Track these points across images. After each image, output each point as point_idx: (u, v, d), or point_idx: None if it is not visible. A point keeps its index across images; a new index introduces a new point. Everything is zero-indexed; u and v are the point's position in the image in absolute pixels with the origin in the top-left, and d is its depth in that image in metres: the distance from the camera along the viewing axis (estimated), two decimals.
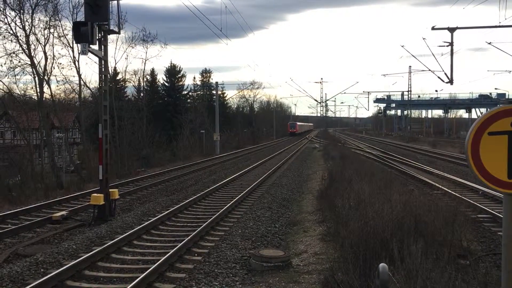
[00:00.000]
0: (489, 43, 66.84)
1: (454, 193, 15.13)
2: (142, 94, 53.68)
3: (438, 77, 29.48)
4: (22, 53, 31.78)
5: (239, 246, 9.76)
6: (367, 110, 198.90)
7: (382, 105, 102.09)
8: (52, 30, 33.11)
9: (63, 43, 34.58)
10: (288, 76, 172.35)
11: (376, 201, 8.98)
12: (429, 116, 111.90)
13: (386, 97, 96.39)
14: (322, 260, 8.46)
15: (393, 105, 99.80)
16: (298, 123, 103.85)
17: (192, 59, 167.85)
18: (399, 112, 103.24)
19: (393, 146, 53.01)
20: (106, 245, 9.24)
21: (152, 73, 65.55)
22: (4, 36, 31.16)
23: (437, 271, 5.87)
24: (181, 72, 70.49)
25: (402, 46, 41.40)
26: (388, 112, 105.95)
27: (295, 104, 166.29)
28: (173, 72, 69.25)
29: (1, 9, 30.61)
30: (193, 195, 16.13)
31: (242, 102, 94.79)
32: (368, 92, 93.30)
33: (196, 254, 9.14)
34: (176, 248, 8.89)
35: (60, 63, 36.92)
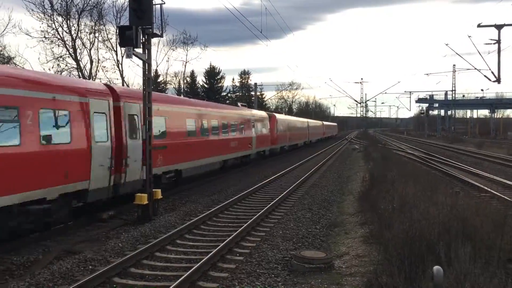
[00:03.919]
0: None
1: (502, 196, 14.60)
2: (182, 96, 54.58)
3: (485, 76, 28.58)
4: (68, 57, 33.10)
5: (280, 247, 9.78)
6: (408, 110, 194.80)
7: (425, 105, 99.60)
8: (97, 35, 34.29)
9: (107, 46, 35.78)
10: (328, 76, 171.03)
11: (420, 203, 8.79)
12: (474, 116, 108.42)
13: (428, 97, 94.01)
14: (365, 263, 8.36)
15: (436, 105, 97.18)
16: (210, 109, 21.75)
17: (231, 61, 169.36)
18: (442, 112, 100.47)
19: (436, 147, 51.63)
20: (150, 243, 9.46)
21: (192, 75, 66.71)
22: (52, 41, 32.55)
23: (486, 276, 5.69)
24: (220, 74, 71.40)
25: (447, 45, 40.62)
26: (431, 112, 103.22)
27: (334, 105, 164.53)
28: (212, 74, 70.18)
29: (49, 14, 31.93)
30: (233, 195, 16.26)
31: (281, 103, 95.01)
32: (410, 92, 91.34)
33: (238, 254, 9.22)
34: (218, 247, 9.00)
35: (104, 66, 38.05)
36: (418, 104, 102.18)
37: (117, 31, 33.99)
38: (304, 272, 8.02)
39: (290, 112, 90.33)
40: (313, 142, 60.23)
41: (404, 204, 9.77)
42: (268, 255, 9.10)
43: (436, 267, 4.48)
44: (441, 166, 25.55)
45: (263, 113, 34.07)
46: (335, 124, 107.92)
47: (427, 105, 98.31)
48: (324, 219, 12.90)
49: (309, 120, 59.50)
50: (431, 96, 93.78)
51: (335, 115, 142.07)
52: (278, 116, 38.58)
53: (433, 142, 64.62)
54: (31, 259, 8.97)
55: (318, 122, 69.63)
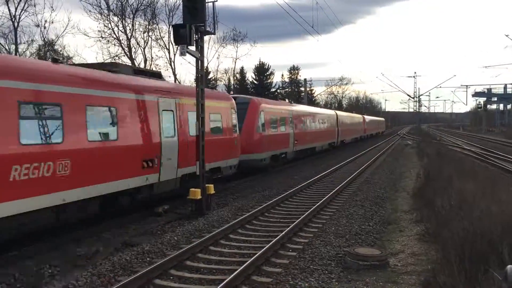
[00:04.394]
0: None
1: None
2: (232, 92, 55.27)
3: None
4: (124, 55, 34.25)
5: (333, 243, 9.71)
6: (465, 104, 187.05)
7: (482, 99, 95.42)
8: (150, 34, 35.27)
9: (159, 45, 36.74)
10: (379, 71, 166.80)
11: (481, 201, 8.46)
12: None
13: (486, 91, 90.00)
14: (422, 261, 8.17)
15: (495, 98, 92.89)
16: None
17: (280, 57, 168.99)
18: (501, 106, 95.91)
19: (495, 143, 49.35)
20: (204, 238, 9.65)
21: (242, 71, 67.19)
22: (108, 40, 33.83)
23: None
24: (269, 70, 71.38)
25: (507, 35, 38.53)
26: (488, 106, 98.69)
27: (386, 100, 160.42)
28: (261, 70, 70.31)
29: (106, 15, 33.17)
30: (284, 191, 16.28)
31: (331, 98, 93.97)
32: (467, 85, 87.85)
33: (290, 250, 9.24)
34: (271, 243, 9.05)
35: (157, 64, 39.04)
36: (475, 98, 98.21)
37: (170, 29, 34.89)
38: (358, 269, 7.93)
39: (339, 107, 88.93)
40: (347, 142, 45.75)
41: (463, 202, 9.45)
42: (321, 251, 9.06)
43: (510, 266, 4.34)
44: (501, 163, 24.45)
45: (218, 97, 17.07)
46: (382, 119, 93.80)
47: (484, 99, 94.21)
48: (377, 216, 12.68)
49: (339, 112, 44.44)
50: (489, 90, 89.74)
51: (387, 110, 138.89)
52: (265, 105, 22.23)
53: (492, 138, 61.84)
54: (93, 250, 9.38)
55: (354, 116, 54.90)
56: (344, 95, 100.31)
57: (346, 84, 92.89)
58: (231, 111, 17.54)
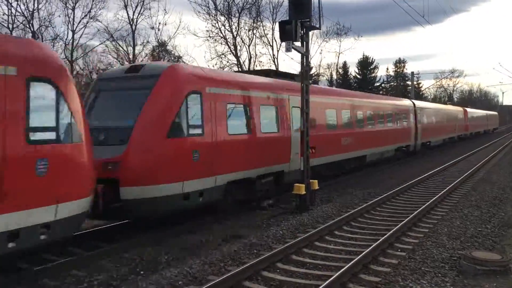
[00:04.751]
0: None
1: None
2: (334, 87, 54.53)
3: None
4: (230, 54, 35.44)
5: (446, 245, 9.17)
6: None
7: None
8: (254, 31, 36.10)
9: (263, 42, 37.38)
10: (497, 61, 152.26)
11: None
12: None
13: None
14: None
15: None
16: None
17: (385, 50, 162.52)
18: None
19: None
20: (309, 233, 9.66)
21: (344, 66, 65.93)
22: (215, 40, 35.23)
23: None
24: (374, 64, 69.24)
25: None
26: None
27: (503, 92, 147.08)
28: (365, 64, 68.46)
29: (213, 15, 34.60)
30: (390, 189, 15.72)
31: (440, 92, 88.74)
32: None
33: (399, 250, 8.89)
34: (378, 241, 8.81)
35: (261, 61, 39.66)
36: None
37: (274, 26, 35.34)
38: (475, 274, 7.41)
39: (450, 101, 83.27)
40: (434, 144, 32.81)
41: None
42: (433, 253, 8.61)
43: None
44: None
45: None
46: (493, 113, 78.72)
47: None
48: (495, 218, 11.75)
49: (420, 103, 31.69)
50: None
51: (504, 103, 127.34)
52: (207, 83, 10.53)
53: None
54: (203, 240, 9.85)
55: (448, 108, 42.35)
56: (455, 89, 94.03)
57: (458, 76, 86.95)
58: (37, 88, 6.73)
